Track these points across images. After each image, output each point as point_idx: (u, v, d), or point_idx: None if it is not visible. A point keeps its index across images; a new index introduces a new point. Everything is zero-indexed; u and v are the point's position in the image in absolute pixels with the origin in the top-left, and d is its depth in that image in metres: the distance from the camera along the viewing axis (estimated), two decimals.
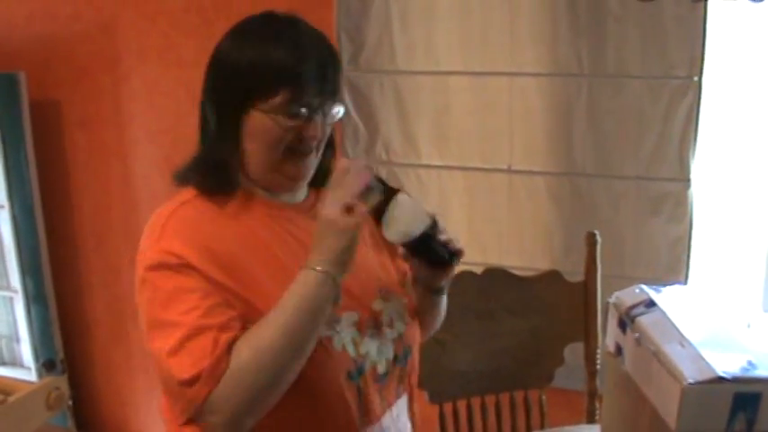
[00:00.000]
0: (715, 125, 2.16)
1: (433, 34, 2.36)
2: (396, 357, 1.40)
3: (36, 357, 2.94)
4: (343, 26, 2.44)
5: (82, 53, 2.88)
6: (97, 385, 3.21)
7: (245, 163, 1.33)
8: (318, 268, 1.22)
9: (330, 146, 1.43)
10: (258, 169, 1.33)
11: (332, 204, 1.23)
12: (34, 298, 2.93)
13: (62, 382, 2.46)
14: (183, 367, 1.18)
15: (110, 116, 2.91)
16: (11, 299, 2.94)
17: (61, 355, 3.00)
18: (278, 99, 1.26)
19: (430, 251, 1.37)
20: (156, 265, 1.25)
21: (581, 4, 2.18)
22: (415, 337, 1.48)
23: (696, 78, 2.11)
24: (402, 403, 1.46)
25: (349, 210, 1.22)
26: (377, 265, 1.48)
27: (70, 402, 2.75)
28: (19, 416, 2.26)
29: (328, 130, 1.36)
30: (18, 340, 2.99)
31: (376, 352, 1.37)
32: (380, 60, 2.44)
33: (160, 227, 1.29)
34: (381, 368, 1.37)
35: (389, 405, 1.41)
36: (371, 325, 1.38)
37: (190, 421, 1.21)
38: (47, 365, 2.94)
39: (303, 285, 1.22)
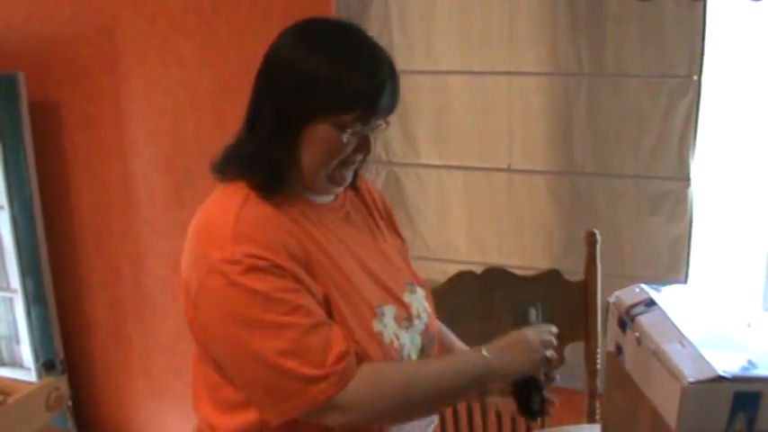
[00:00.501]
0: (714, 124, 2.16)
1: (432, 34, 2.36)
2: (423, 346, 1.46)
3: (36, 358, 2.94)
4: None
5: (81, 54, 2.87)
6: (97, 386, 3.21)
7: (296, 165, 1.34)
8: (494, 363, 1.35)
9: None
10: (310, 174, 1.35)
11: (539, 333, 1.40)
12: (34, 298, 2.92)
13: (62, 383, 2.45)
14: (305, 365, 1.23)
15: (109, 117, 2.90)
16: (10, 299, 2.94)
17: (61, 355, 3.00)
18: (349, 117, 1.29)
19: (529, 395, 1.47)
20: (246, 268, 1.23)
21: (580, 3, 2.17)
22: (436, 325, 1.55)
23: (695, 77, 2.11)
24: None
25: (545, 345, 1.38)
26: (399, 260, 1.55)
27: (70, 403, 2.75)
28: (19, 416, 2.26)
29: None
30: (18, 341, 2.98)
31: (410, 343, 1.42)
32: None
33: (231, 229, 1.27)
34: (414, 357, 1.44)
35: None
36: (405, 317, 1.44)
37: (299, 418, 1.27)
38: (46, 366, 2.94)
39: (473, 366, 1.36)
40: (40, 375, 2.91)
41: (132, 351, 3.10)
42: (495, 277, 2.01)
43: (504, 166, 2.36)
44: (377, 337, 1.35)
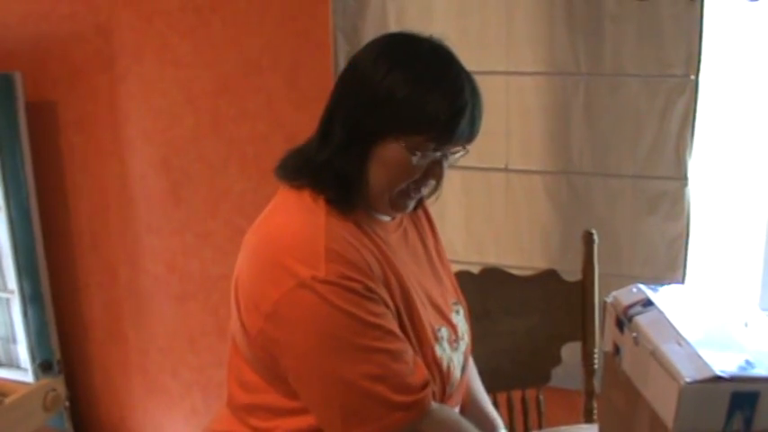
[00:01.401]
0: (712, 123, 2.16)
1: (429, 33, 2.35)
2: (463, 367, 1.48)
3: (33, 358, 2.93)
4: (340, 26, 2.44)
5: (78, 53, 2.87)
6: (94, 386, 3.21)
7: (364, 182, 1.30)
8: None
9: None
10: (374, 193, 1.30)
11: None
12: (31, 299, 2.92)
13: (59, 384, 2.46)
14: (392, 391, 1.23)
15: (106, 116, 2.90)
16: (7, 300, 2.94)
17: (58, 356, 3.00)
18: (422, 139, 1.24)
19: None
20: (341, 289, 1.21)
21: (578, 3, 2.17)
22: (472, 347, 1.56)
23: (693, 77, 2.10)
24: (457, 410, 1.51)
25: None
26: (447, 279, 1.55)
27: (67, 403, 2.75)
28: (16, 417, 2.26)
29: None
30: (14, 341, 2.98)
31: (457, 364, 1.43)
32: None
33: (323, 247, 1.23)
34: (457, 379, 1.44)
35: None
36: (455, 338, 1.44)
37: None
38: (43, 367, 2.93)
39: None
40: (36, 376, 2.91)
41: (129, 351, 3.10)
42: (493, 277, 2.01)
43: (502, 165, 2.36)
44: (438, 363, 1.35)
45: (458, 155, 1.33)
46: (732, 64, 2.13)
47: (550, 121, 2.29)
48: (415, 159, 1.25)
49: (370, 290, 1.23)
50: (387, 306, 1.26)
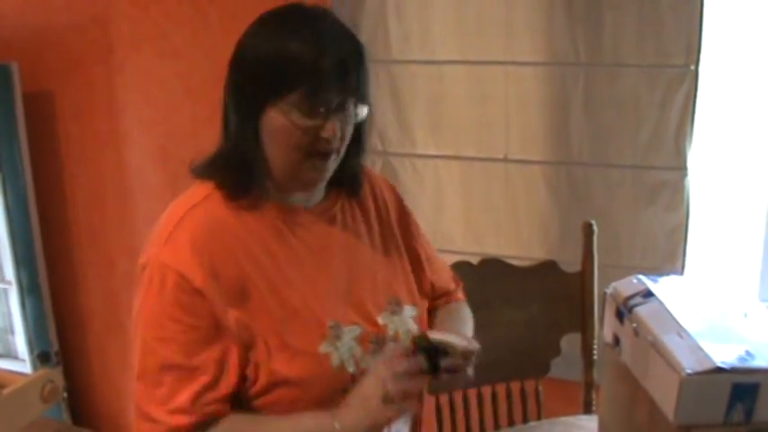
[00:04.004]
0: (712, 114, 2.15)
1: (428, 24, 2.35)
2: None
3: (30, 349, 2.93)
4: (338, 15, 2.41)
5: (75, 44, 2.86)
6: (92, 377, 3.21)
7: (266, 163, 1.27)
8: (337, 427, 1.22)
9: (357, 145, 1.36)
10: (277, 172, 1.28)
11: (375, 385, 1.23)
12: (28, 290, 2.92)
13: (57, 375, 2.45)
14: (159, 401, 1.23)
15: (103, 107, 2.89)
16: (5, 291, 2.93)
17: (56, 347, 3.00)
18: (295, 97, 1.20)
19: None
20: (161, 276, 1.22)
21: None
22: None
23: (693, 67, 2.10)
24: (407, 420, 1.43)
25: (387, 400, 1.21)
26: (390, 273, 1.44)
27: (65, 394, 2.74)
28: (13, 408, 2.25)
29: (349, 131, 1.29)
30: (12, 332, 2.98)
31: (368, 366, 1.32)
32: (376, 50, 2.42)
33: (172, 227, 1.25)
34: None
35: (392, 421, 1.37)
36: (375, 340, 1.34)
37: None
38: (41, 357, 2.93)
39: (318, 424, 1.24)
40: (34, 367, 2.91)
41: (127, 342, 3.09)
42: (492, 268, 2.00)
43: (501, 156, 2.35)
44: (322, 360, 1.27)
45: (358, 111, 1.27)
46: (732, 54, 2.12)
47: (550, 111, 2.28)
48: (297, 120, 1.21)
49: (192, 290, 1.20)
50: (209, 307, 1.21)
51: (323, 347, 1.27)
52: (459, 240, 2.44)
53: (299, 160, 1.25)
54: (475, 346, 1.32)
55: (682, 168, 2.16)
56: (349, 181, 1.41)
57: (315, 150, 1.25)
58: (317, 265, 1.31)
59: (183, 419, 1.21)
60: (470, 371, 1.33)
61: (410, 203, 2.47)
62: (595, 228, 1.98)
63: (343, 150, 1.30)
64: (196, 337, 1.21)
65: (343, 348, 1.29)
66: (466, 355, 1.28)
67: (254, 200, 1.29)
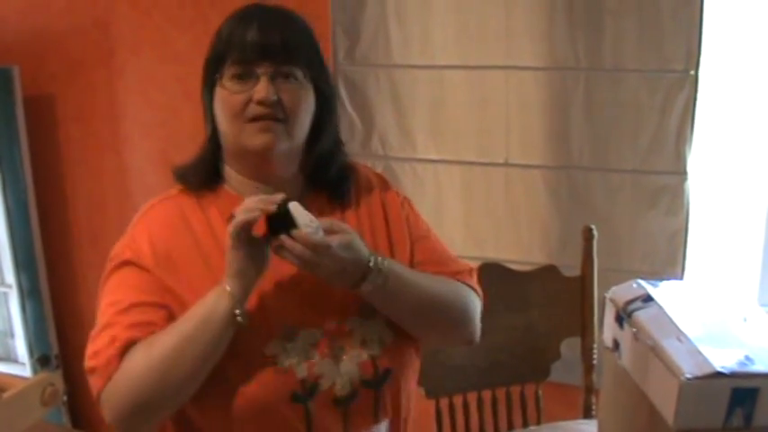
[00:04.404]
0: (711, 118, 2.16)
1: (429, 28, 2.36)
2: (366, 381, 1.31)
3: (30, 353, 2.93)
4: (339, 20, 2.43)
5: (76, 47, 2.86)
6: None
7: (224, 148, 1.35)
8: (227, 288, 1.21)
9: (326, 133, 1.38)
10: (230, 150, 1.34)
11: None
12: (28, 293, 2.92)
13: (57, 378, 2.44)
14: (88, 355, 1.26)
15: (104, 110, 2.89)
16: (5, 294, 2.93)
17: (56, 350, 3.00)
18: (226, 68, 1.29)
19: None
20: (113, 255, 1.33)
21: None
22: (399, 359, 1.36)
23: (693, 72, 2.10)
24: (381, 430, 1.37)
25: (229, 220, 1.22)
26: None
27: (65, 398, 2.73)
28: (13, 412, 2.25)
29: (299, 102, 1.30)
30: (12, 336, 2.98)
31: (335, 373, 1.29)
32: (376, 54, 2.43)
33: (136, 220, 1.37)
34: (341, 391, 1.29)
35: (359, 431, 1.34)
36: (335, 344, 1.30)
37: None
38: (41, 361, 2.93)
39: (204, 298, 1.23)
40: (34, 370, 2.91)
41: None
42: (492, 272, 2.00)
43: (501, 160, 2.36)
44: (267, 361, 1.25)
45: (290, 83, 1.28)
46: (732, 59, 2.13)
47: (550, 116, 2.28)
48: (229, 86, 1.28)
49: (135, 264, 1.29)
50: (157, 286, 1.27)
51: (269, 348, 1.26)
52: (460, 244, 2.44)
53: (240, 128, 1.29)
54: (321, 241, 1.20)
55: (682, 173, 2.17)
56: (330, 183, 1.41)
57: (252, 115, 1.27)
58: (279, 265, 1.26)
59: (108, 354, 1.24)
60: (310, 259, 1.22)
61: None
62: (595, 232, 1.98)
63: (295, 124, 1.30)
64: (141, 299, 1.27)
65: (294, 351, 1.27)
66: (306, 244, 1.19)
67: (217, 194, 1.35)
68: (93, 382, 1.24)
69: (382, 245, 1.41)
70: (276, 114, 1.28)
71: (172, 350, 1.20)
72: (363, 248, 1.28)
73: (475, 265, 1.98)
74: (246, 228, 1.20)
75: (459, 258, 1.52)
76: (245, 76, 1.27)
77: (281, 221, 1.21)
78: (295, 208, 1.21)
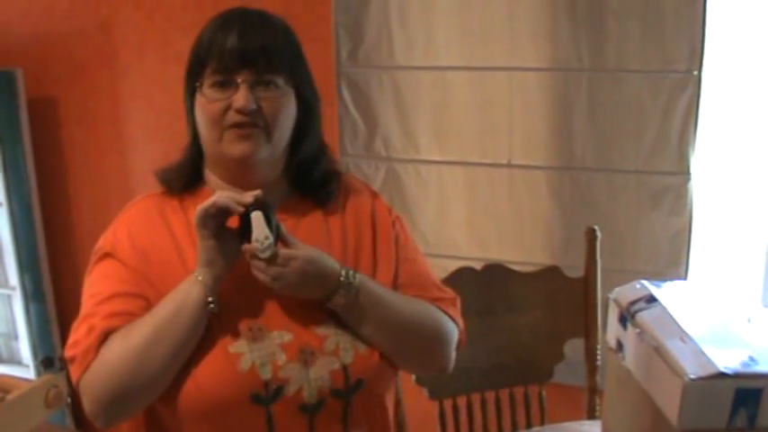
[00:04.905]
0: (715, 119, 2.15)
1: (432, 29, 2.36)
2: (336, 390, 1.28)
3: (34, 355, 2.94)
4: (342, 22, 2.44)
5: (79, 50, 2.87)
6: None
7: (204, 151, 1.36)
8: (199, 278, 1.24)
9: (308, 138, 1.37)
10: (210, 156, 1.35)
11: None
12: (32, 295, 2.92)
13: (61, 380, 2.44)
14: (68, 345, 1.26)
15: (108, 113, 2.90)
16: (9, 296, 2.94)
17: (60, 352, 3.00)
18: (206, 75, 1.28)
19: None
20: (95, 250, 1.36)
21: None
22: (372, 370, 1.32)
23: (696, 72, 2.10)
24: None
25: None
26: None
27: (69, 400, 2.74)
28: (17, 414, 2.25)
29: (280, 109, 1.29)
30: (16, 338, 2.98)
31: (303, 379, 1.26)
32: (379, 56, 2.43)
33: (118, 215, 1.40)
34: (309, 398, 1.26)
35: None
36: (306, 349, 1.27)
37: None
38: (45, 363, 2.93)
39: (178, 287, 1.25)
40: (38, 372, 2.91)
41: None
42: (495, 273, 2.01)
43: (505, 161, 2.36)
44: (231, 359, 1.23)
45: (271, 91, 1.28)
46: (735, 59, 2.12)
47: (553, 116, 2.28)
48: (207, 93, 1.28)
49: (114, 256, 1.32)
50: (135, 278, 1.29)
51: (234, 347, 1.25)
52: (463, 246, 2.45)
53: (219, 136, 1.29)
54: (266, 251, 1.22)
55: (685, 173, 2.16)
56: (315, 187, 1.40)
57: (230, 122, 1.27)
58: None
59: (88, 353, 1.23)
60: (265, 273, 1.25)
61: (414, 209, 2.49)
62: (598, 233, 1.98)
63: (275, 131, 1.30)
64: (120, 290, 1.28)
65: (260, 353, 1.25)
66: (253, 254, 1.23)
67: (198, 196, 1.35)
68: (73, 372, 1.25)
69: (365, 257, 1.39)
70: (256, 122, 1.28)
71: (147, 338, 1.21)
72: (330, 262, 1.29)
73: (478, 266, 2.00)
74: (211, 216, 1.22)
75: (444, 287, 1.48)
76: (225, 84, 1.27)
77: (244, 227, 1.23)
78: (256, 219, 1.22)
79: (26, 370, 2.95)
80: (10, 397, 2.26)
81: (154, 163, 2.88)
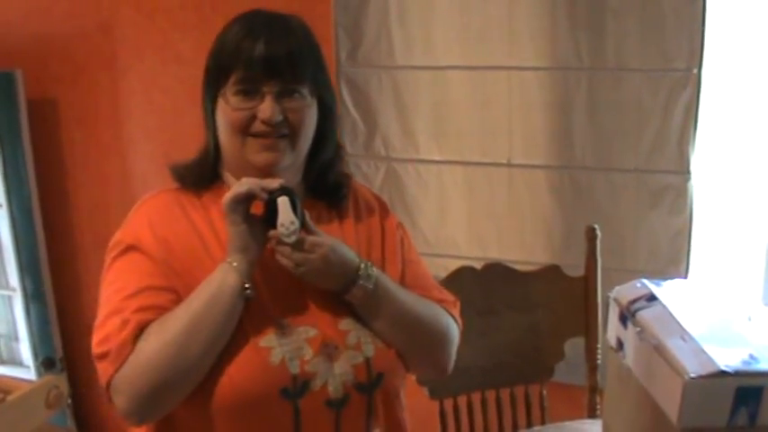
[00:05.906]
0: (714, 117, 2.15)
1: (431, 29, 2.36)
2: (359, 384, 1.29)
3: (35, 356, 2.93)
4: (341, 22, 2.44)
5: (79, 51, 2.87)
6: (96, 383, 3.19)
7: (224, 155, 1.36)
8: (234, 264, 1.24)
9: (328, 141, 1.39)
10: (229, 159, 1.35)
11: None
12: (33, 296, 2.92)
13: (61, 381, 2.46)
14: (97, 342, 1.25)
15: (107, 114, 2.90)
16: (9, 298, 2.94)
17: (60, 353, 3.00)
18: (230, 82, 1.28)
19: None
20: (113, 245, 1.33)
21: None
22: (391, 364, 1.35)
23: (695, 71, 2.10)
24: None
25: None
26: None
27: (69, 401, 2.75)
28: (18, 415, 2.26)
29: (304, 120, 1.31)
30: (17, 339, 2.98)
31: (328, 373, 1.27)
32: (378, 56, 2.43)
33: (133, 211, 1.38)
34: (334, 392, 1.27)
35: None
36: (330, 344, 1.29)
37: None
38: (46, 364, 2.93)
39: (211, 275, 1.24)
40: (39, 374, 2.91)
41: None
42: (495, 272, 2.01)
43: (504, 160, 2.36)
44: (261, 353, 1.24)
45: (296, 101, 1.29)
46: (734, 57, 2.12)
47: (553, 115, 2.28)
48: (231, 101, 1.28)
49: (137, 249, 1.29)
50: (160, 269, 1.27)
51: (264, 341, 1.25)
52: (463, 245, 2.45)
53: (241, 143, 1.29)
54: (292, 236, 1.24)
55: (685, 172, 2.16)
56: (328, 191, 1.42)
57: (254, 131, 1.28)
58: (277, 262, 1.28)
59: (119, 339, 1.23)
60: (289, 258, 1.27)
61: (413, 209, 2.49)
62: (599, 232, 1.98)
63: (299, 140, 1.32)
64: (147, 284, 1.26)
65: (289, 347, 1.26)
66: (278, 239, 1.25)
67: (217, 194, 1.33)
68: (104, 369, 1.24)
69: (375, 259, 1.40)
70: (281, 131, 1.29)
71: (185, 329, 1.20)
72: (350, 254, 1.31)
73: (478, 265, 2.00)
74: (240, 202, 1.24)
75: (444, 290, 1.51)
76: (251, 93, 1.27)
77: (269, 213, 1.24)
78: (283, 204, 1.23)
79: (27, 371, 2.95)
80: (11, 398, 2.26)
81: (154, 164, 2.90)
